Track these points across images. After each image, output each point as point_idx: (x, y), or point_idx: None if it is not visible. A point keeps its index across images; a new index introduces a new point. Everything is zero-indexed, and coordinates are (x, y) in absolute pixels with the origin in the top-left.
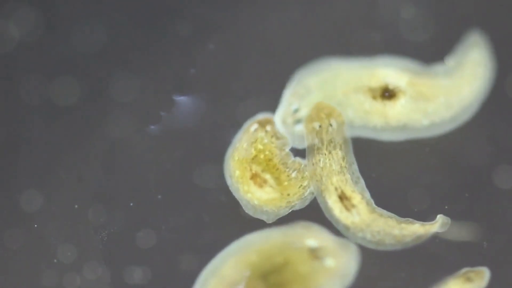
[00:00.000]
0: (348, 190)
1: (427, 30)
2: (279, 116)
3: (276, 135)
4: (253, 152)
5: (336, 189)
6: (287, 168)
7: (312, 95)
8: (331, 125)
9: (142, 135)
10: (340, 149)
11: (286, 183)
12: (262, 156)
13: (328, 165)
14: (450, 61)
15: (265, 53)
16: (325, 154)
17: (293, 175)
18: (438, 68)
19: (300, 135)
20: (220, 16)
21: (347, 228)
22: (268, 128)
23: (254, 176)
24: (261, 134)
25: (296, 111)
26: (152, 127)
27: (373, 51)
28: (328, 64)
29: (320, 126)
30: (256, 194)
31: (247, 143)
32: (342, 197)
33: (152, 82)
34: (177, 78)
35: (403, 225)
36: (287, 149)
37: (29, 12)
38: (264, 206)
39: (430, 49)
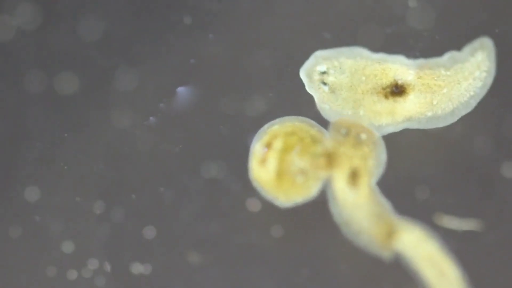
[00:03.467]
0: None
1: (432, 21)
2: (305, 69)
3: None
4: (299, 136)
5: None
6: (294, 174)
7: (343, 76)
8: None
9: (143, 127)
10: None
11: (286, 186)
12: (293, 139)
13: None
14: (454, 54)
15: (266, 43)
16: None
17: (298, 179)
18: (441, 59)
19: (323, 95)
20: (220, 5)
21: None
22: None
23: (268, 147)
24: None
25: (323, 73)
26: (152, 118)
27: (380, 45)
28: (361, 51)
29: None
30: (253, 162)
31: (311, 132)
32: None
33: (152, 72)
34: (176, 69)
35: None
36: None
37: (31, 2)
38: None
39: (435, 41)
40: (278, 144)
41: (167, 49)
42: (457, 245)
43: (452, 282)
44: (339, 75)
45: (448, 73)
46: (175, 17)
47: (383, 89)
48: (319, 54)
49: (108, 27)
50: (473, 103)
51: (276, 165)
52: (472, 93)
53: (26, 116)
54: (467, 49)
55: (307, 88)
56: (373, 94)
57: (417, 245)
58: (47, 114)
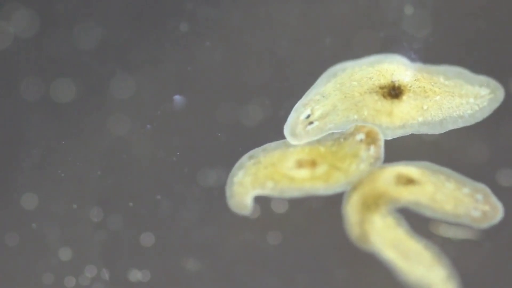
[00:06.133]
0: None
1: (429, 27)
2: (290, 128)
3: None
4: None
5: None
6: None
7: (329, 98)
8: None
9: (139, 134)
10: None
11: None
12: (318, 150)
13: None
14: (462, 71)
15: (263, 51)
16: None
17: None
18: (444, 68)
19: (313, 132)
20: (216, 13)
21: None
22: (372, 150)
23: (312, 165)
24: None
25: (308, 117)
26: (149, 125)
27: (377, 49)
28: (341, 67)
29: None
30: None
31: (349, 147)
32: None
33: (149, 80)
34: (173, 76)
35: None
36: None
37: (28, 10)
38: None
39: (433, 47)
40: (320, 169)
41: (164, 57)
42: (454, 254)
43: (419, 263)
44: (325, 101)
45: (447, 82)
46: (171, 24)
47: (381, 88)
48: (298, 105)
49: (105, 34)
50: (461, 124)
51: (299, 155)
52: (461, 113)
53: (23, 123)
54: (480, 77)
55: (294, 141)
56: (372, 93)
57: (383, 232)
58: (44, 121)
